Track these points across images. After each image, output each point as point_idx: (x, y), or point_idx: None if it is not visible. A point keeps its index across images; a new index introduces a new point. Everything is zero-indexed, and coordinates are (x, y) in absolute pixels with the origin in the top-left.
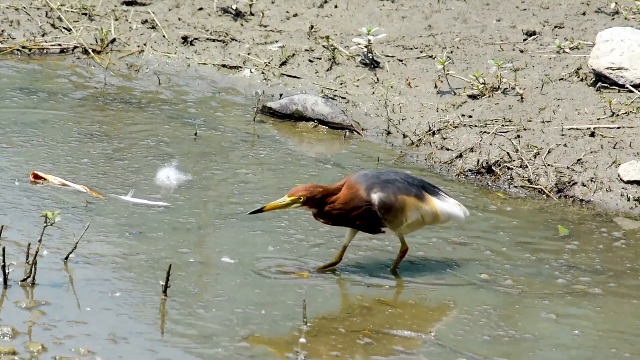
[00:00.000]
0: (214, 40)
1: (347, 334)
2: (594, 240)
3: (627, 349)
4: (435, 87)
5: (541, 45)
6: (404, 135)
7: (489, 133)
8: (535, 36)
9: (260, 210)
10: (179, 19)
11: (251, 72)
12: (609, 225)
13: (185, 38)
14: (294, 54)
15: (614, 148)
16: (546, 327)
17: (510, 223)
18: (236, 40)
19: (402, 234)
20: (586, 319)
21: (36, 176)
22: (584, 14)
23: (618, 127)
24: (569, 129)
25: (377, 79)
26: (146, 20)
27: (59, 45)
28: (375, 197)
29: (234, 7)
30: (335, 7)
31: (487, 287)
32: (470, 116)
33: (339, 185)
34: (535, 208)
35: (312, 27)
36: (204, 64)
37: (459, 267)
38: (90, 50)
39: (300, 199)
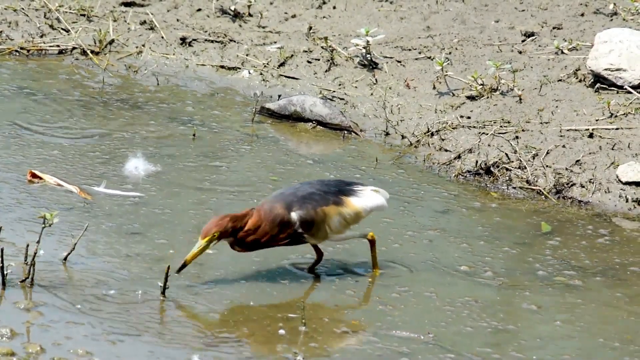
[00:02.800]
0: (212, 41)
1: (336, 330)
2: (577, 237)
3: (616, 338)
4: (434, 88)
5: (540, 46)
6: (402, 136)
7: (487, 134)
8: (533, 37)
9: (184, 265)
10: (178, 20)
11: (250, 73)
12: (596, 223)
13: (183, 39)
14: (292, 55)
15: (612, 149)
16: (528, 319)
17: (493, 219)
18: (234, 41)
19: (330, 240)
20: (567, 311)
21: (34, 175)
22: (582, 15)
23: (616, 128)
24: (568, 130)
25: (376, 80)
26: (145, 21)
27: (58, 46)
28: (294, 215)
29: (232, 8)
30: (334, 8)
31: (467, 279)
32: (468, 117)
33: (245, 212)
34: (521, 206)
35: (310, 28)
36: (203, 64)
37: (438, 260)
38: (88, 51)
39: (215, 235)
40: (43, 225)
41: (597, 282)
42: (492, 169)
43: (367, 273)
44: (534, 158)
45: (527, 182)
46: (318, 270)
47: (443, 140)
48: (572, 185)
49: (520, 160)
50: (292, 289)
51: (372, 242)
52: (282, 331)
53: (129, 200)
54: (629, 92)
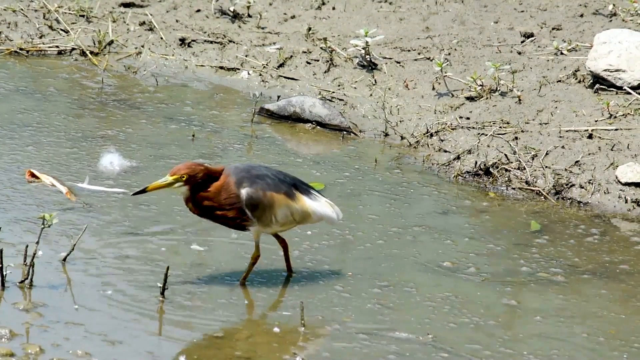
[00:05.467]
0: (211, 42)
1: (329, 328)
2: (566, 235)
3: (600, 333)
4: (433, 89)
5: (539, 47)
6: (401, 137)
7: (486, 135)
8: (532, 38)
9: (144, 191)
10: (177, 21)
11: (249, 73)
12: (589, 222)
13: (182, 40)
14: (291, 56)
15: (611, 150)
16: (508, 314)
17: (483, 217)
18: (234, 42)
19: (273, 232)
20: (548, 306)
21: (32, 175)
22: (581, 15)
23: (616, 129)
24: (567, 131)
25: (375, 80)
26: (144, 22)
27: (57, 47)
28: (244, 192)
29: (231, 9)
30: (333, 9)
31: (449, 274)
32: (468, 118)
33: (220, 169)
34: (517, 206)
35: (309, 29)
36: (202, 65)
37: (421, 255)
38: (87, 52)
39: (183, 177)
40: (42, 226)
41: (582, 279)
42: (491, 169)
43: (355, 268)
44: (533, 159)
45: (527, 182)
46: (307, 267)
47: (442, 141)
48: (571, 186)
49: (520, 161)
50: (287, 287)
51: (255, 259)
52: (277, 329)
53: (125, 199)
54: (628, 93)
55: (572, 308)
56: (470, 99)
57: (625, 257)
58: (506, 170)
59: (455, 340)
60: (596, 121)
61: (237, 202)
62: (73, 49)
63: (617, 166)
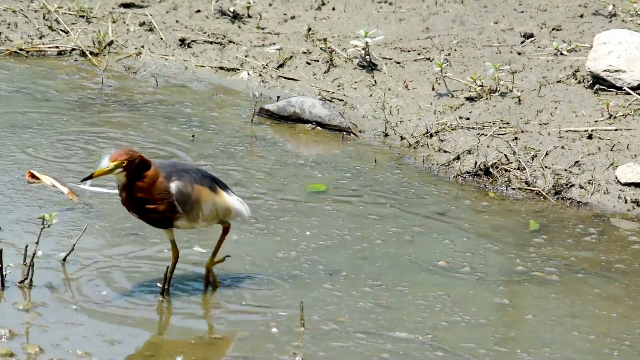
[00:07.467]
0: (211, 43)
1: (325, 328)
2: (564, 235)
3: (592, 332)
4: (433, 89)
5: (539, 47)
6: (401, 137)
7: (486, 135)
8: (532, 38)
9: (90, 177)
10: (177, 22)
11: (249, 74)
12: (588, 222)
13: (182, 40)
14: (291, 57)
15: (611, 150)
16: (501, 312)
17: (482, 217)
18: (234, 43)
19: (197, 227)
20: (542, 305)
21: (32, 175)
22: (581, 16)
23: (615, 130)
24: (567, 131)
25: (375, 81)
26: (144, 23)
27: (57, 47)
28: (173, 185)
29: (231, 9)
30: (333, 9)
31: (443, 273)
32: (467, 118)
33: (149, 159)
34: (516, 206)
35: (309, 29)
36: (202, 66)
37: (417, 255)
38: (87, 53)
39: (123, 163)
40: (42, 226)
41: (577, 278)
42: (491, 170)
43: (353, 268)
44: (533, 159)
45: (526, 183)
46: (304, 268)
47: (442, 141)
48: (571, 186)
49: (519, 161)
50: (284, 288)
51: (226, 230)
52: (274, 329)
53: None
54: (628, 94)
55: (565, 307)
56: (470, 99)
57: (621, 257)
58: (506, 170)
59: (451, 339)
60: (596, 121)
61: (168, 197)
62: (73, 49)
63: (617, 166)
